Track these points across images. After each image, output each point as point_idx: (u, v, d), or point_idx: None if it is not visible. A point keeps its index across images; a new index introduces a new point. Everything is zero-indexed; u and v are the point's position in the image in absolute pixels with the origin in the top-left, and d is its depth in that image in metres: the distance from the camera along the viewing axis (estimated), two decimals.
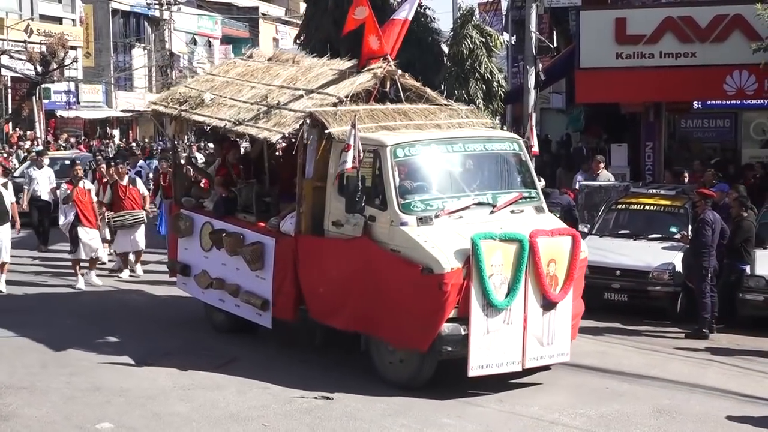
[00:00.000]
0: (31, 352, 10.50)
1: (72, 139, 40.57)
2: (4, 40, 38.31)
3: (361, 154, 9.12)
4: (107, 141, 43.01)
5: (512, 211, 9.67)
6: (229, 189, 11.27)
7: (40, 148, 32.29)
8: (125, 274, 15.07)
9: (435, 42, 20.09)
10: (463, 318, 8.77)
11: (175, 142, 13.40)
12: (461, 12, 16.94)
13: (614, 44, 18.36)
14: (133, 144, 40.23)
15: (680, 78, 17.70)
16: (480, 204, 9.54)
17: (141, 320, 12.18)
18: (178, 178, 12.56)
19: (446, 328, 8.76)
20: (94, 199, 14.62)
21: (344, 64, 10.81)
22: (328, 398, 8.92)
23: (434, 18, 20.51)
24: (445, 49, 18.90)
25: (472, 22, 16.56)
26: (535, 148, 10.49)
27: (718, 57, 17.56)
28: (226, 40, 60.17)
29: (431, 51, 19.63)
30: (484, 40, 16.40)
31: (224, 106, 11.02)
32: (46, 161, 18.61)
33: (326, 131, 9.61)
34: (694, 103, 19.88)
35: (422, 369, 9.15)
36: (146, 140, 46.84)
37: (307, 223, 9.98)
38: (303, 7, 22.88)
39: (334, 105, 10.02)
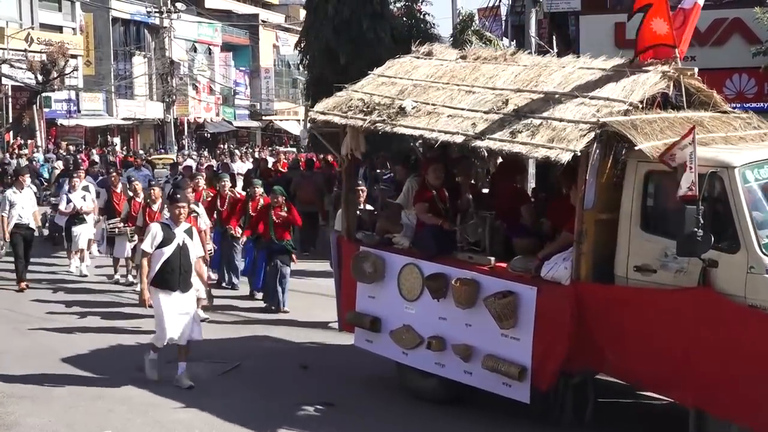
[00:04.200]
0: (33, 361, 10.46)
1: (72, 147, 40.70)
2: (5, 49, 38.39)
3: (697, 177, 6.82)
4: (108, 149, 43.11)
5: None
6: (442, 220, 8.92)
7: (35, 158, 32.02)
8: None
9: None
10: None
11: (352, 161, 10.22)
12: (461, 17, 16.98)
13: (614, 49, 18.37)
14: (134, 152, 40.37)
15: None
16: None
17: (142, 328, 12.15)
18: (350, 205, 10.05)
19: None
20: (203, 227, 11.92)
21: (593, 61, 8.94)
22: (330, 405, 8.92)
23: (434, 24, 20.52)
24: None
25: (472, 28, 16.60)
26: None
27: (717, 60, 17.64)
28: (226, 47, 60.34)
29: None
30: (484, 45, 16.43)
31: (437, 115, 8.82)
32: (28, 181, 15.69)
33: (636, 147, 7.36)
34: None
35: None
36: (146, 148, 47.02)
37: (589, 267, 7.71)
38: (303, 14, 22.88)
39: (624, 113, 7.82)
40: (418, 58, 10.28)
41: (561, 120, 7.92)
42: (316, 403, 8.91)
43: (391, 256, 9.13)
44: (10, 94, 40.21)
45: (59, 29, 44.93)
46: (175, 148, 44.74)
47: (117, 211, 15.18)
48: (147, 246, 9.36)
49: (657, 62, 8.25)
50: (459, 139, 8.39)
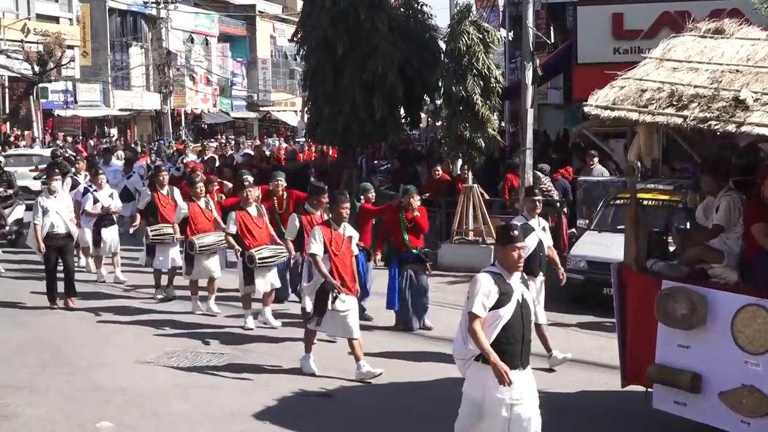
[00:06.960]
0: (30, 352, 10.45)
1: (69, 138, 40.63)
2: (1, 39, 38.30)
3: None
4: (105, 139, 43.07)
5: None
6: None
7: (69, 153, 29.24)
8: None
9: (432, 38, 20.06)
10: None
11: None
12: (458, 8, 16.90)
13: (611, 39, 18.47)
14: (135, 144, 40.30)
15: None
16: None
17: (139, 320, 12.15)
18: (639, 226, 8.09)
19: None
20: (355, 251, 9.80)
21: None
22: (327, 396, 8.92)
23: (431, 15, 20.49)
24: (443, 45, 18.85)
25: (469, 19, 16.50)
26: None
27: None
28: (223, 38, 60.25)
29: (429, 47, 19.61)
30: (481, 36, 16.32)
31: None
32: (58, 186, 13.03)
33: None
34: None
35: None
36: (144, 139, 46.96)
37: None
38: (300, 4, 22.82)
39: None
40: (703, 37, 8.38)
41: None
42: (313, 394, 8.91)
43: (719, 294, 7.18)
44: (6, 84, 40.17)
45: (56, 20, 44.85)
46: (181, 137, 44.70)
47: (162, 216, 13.37)
48: (479, 308, 6.14)
49: None
50: None
